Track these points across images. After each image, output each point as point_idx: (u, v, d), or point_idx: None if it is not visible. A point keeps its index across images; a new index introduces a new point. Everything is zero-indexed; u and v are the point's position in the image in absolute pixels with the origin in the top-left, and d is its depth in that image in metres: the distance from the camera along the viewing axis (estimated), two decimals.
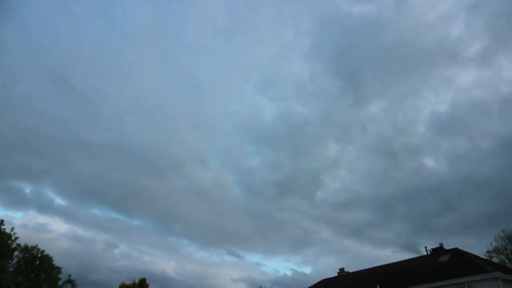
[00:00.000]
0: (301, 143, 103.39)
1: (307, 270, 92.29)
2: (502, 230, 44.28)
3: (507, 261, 43.06)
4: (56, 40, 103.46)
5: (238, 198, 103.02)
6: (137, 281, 49.83)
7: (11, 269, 39.20)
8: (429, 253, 30.80)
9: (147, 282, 50.34)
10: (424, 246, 31.91)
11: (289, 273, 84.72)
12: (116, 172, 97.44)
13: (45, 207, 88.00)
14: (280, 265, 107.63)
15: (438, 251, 30.26)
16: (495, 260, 42.21)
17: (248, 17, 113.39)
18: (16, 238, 39.65)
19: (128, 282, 49.91)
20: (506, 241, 43.96)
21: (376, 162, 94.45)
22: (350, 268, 39.69)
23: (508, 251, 43.95)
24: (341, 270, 39.78)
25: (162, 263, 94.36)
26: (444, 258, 28.62)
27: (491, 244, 44.77)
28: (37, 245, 43.14)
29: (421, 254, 33.05)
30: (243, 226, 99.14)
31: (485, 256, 42.33)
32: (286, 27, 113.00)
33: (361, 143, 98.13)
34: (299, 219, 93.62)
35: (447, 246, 30.53)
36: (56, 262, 44.09)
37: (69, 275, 45.26)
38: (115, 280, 67.84)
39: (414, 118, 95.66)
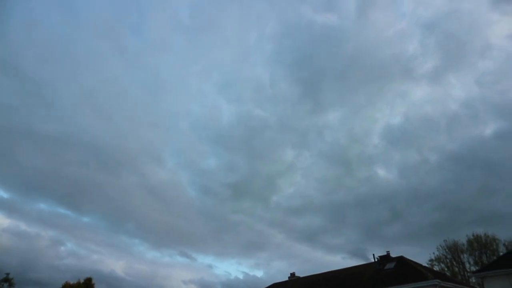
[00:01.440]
0: (258, 146, 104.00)
1: (258, 273, 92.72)
2: (444, 240, 47.29)
3: (446, 269, 45.86)
4: (5, 24, 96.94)
5: (193, 198, 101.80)
6: (82, 281, 47.77)
7: None
8: (376, 260, 31.94)
9: (93, 281, 48.39)
10: (372, 253, 33.16)
11: (240, 276, 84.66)
12: (66, 166, 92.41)
13: None
14: (232, 268, 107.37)
15: (385, 258, 31.48)
16: (436, 268, 44.82)
17: (212, 17, 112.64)
18: None
19: (72, 282, 47.73)
20: (447, 250, 46.87)
21: (331, 169, 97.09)
22: (301, 273, 40.32)
23: (448, 260, 46.86)
24: (292, 274, 40.27)
25: (111, 263, 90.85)
26: (390, 265, 29.82)
27: (433, 253, 47.60)
28: None
29: (369, 261, 34.28)
30: (197, 227, 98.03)
31: (428, 264, 44.84)
32: (250, 30, 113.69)
33: (317, 149, 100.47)
34: (253, 222, 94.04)
35: (393, 254, 31.86)
36: None
37: (7, 274, 42.64)
38: (59, 279, 64.87)
39: (369, 129, 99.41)
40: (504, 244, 42.98)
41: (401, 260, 30.08)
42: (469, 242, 45.03)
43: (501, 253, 39.13)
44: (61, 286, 47.00)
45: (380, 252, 32.66)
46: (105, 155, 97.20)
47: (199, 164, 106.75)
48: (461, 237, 48.44)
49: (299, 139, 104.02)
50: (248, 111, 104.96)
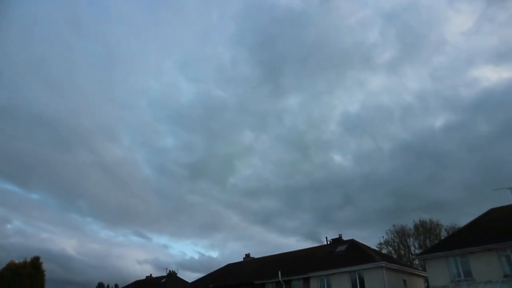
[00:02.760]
0: (217, 127, 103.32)
1: (214, 254, 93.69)
2: (393, 225, 49.73)
3: (393, 252, 48.41)
4: None
5: (149, 177, 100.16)
6: (29, 260, 45.69)
7: None
8: (328, 242, 33.02)
9: (40, 260, 46.42)
10: (325, 236, 34.22)
11: (196, 256, 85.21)
12: (13, 140, 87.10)
13: None
14: (187, 248, 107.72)
15: (337, 241, 32.57)
16: (384, 251, 47.14)
17: None
18: None
19: (18, 261, 45.53)
20: (395, 234, 49.39)
21: (288, 153, 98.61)
22: (255, 254, 41.00)
23: (396, 244, 49.45)
24: (247, 255, 40.85)
25: (61, 241, 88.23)
26: (341, 248, 30.94)
27: (382, 236, 50.00)
28: None
29: (322, 243, 35.40)
30: (152, 207, 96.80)
31: (377, 247, 47.01)
32: (213, 8, 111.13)
33: (276, 133, 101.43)
34: (209, 203, 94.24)
35: (345, 237, 32.99)
36: None
37: None
38: (4, 258, 61.41)
39: (327, 115, 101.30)
40: (446, 229, 45.98)
41: (351, 243, 31.27)
42: (416, 227, 47.71)
43: (442, 238, 41.79)
44: (5, 265, 44.78)
45: (332, 235, 33.85)
46: (57, 130, 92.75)
47: (156, 142, 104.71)
48: (409, 222, 51.39)
49: (258, 122, 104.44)
50: (208, 91, 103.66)
